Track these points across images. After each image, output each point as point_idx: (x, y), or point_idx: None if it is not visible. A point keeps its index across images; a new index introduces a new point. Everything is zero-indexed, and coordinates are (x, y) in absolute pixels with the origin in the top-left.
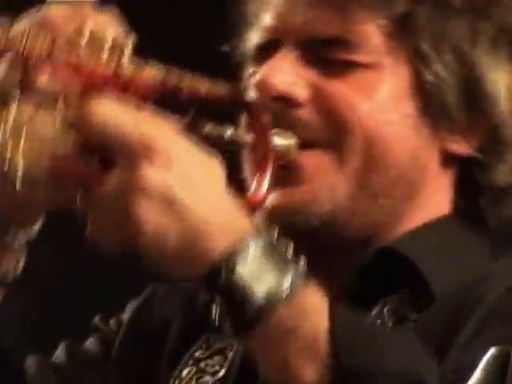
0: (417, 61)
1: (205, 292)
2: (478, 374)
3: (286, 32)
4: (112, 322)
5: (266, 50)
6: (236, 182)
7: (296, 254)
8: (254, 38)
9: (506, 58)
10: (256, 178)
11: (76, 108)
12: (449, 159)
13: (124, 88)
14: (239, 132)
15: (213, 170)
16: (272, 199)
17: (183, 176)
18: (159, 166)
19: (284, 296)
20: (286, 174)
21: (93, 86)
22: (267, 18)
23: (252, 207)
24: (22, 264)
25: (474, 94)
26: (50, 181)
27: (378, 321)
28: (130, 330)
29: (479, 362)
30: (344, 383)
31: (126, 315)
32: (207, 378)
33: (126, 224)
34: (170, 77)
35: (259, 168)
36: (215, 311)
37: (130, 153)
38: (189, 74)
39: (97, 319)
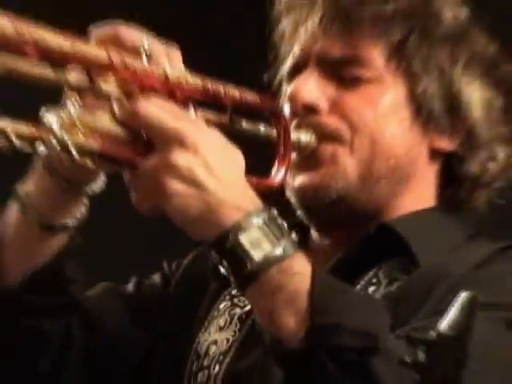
0: (409, 78)
1: (213, 254)
2: (453, 311)
3: (309, 56)
4: (174, 264)
5: (295, 71)
6: None
7: (304, 229)
8: (287, 64)
9: (478, 75)
10: (276, 167)
11: (129, 104)
12: (434, 155)
13: (171, 91)
14: (270, 129)
15: (234, 158)
16: (298, 181)
17: (206, 162)
18: (187, 153)
19: (276, 260)
20: (309, 161)
21: (144, 88)
22: (295, 49)
23: (270, 188)
24: (84, 212)
25: (455, 103)
26: (101, 155)
27: (374, 280)
28: (185, 272)
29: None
30: (316, 335)
31: (185, 261)
32: (237, 310)
33: (158, 195)
34: (209, 83)
35: (280, 159)
36: (223, 270)
37: (166, 142)
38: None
39: (164, 262)
